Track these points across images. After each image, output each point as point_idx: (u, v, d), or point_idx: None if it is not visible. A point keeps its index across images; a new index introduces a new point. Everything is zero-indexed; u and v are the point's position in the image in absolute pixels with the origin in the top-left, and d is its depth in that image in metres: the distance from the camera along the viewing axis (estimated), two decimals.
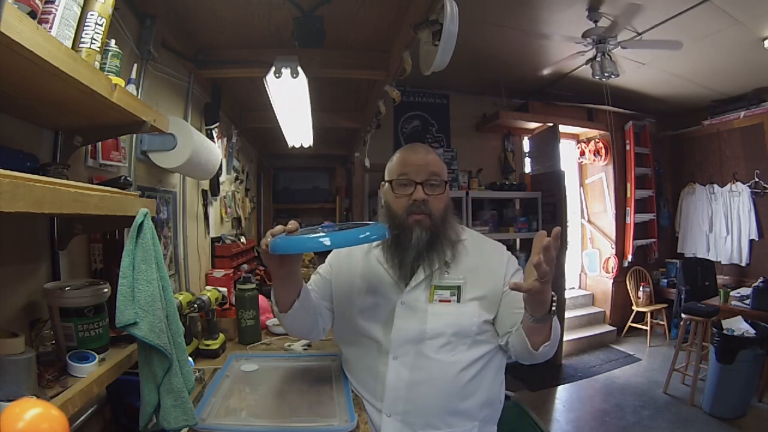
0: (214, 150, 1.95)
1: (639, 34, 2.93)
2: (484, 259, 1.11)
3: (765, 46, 2.98)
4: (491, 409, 1.09)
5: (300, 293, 1.05)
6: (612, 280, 4.71)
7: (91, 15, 0.78)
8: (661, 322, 4.54)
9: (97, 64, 0.81)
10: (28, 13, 0.62)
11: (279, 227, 0.93)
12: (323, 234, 0.85)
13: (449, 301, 1.05)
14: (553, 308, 0.91)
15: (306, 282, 1.11)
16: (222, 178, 2.63)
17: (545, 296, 0.88)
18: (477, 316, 1.04)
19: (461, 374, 1.02)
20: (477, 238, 1.19)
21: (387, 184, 1.13)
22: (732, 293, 3.52)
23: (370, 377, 1.08)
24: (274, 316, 1.16)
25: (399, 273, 1.08)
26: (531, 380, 3.62)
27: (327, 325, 1.21)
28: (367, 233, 0.86)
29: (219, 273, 2.20)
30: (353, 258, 1.19)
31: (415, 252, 1.06)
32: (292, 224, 0.94)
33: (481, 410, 1.05)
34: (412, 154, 1.11)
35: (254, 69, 1.97)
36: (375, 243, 1.13)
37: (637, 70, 3.61)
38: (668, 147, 5.06)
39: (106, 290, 0.93)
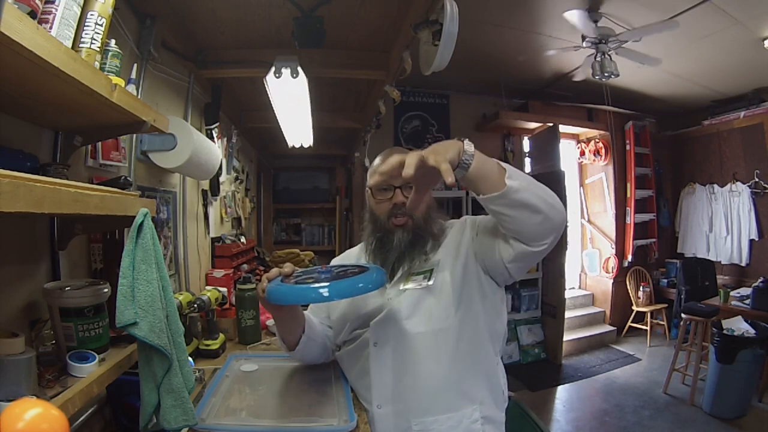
0: (214, 150, 1.95)
1: (638, 34, 2.93)
2: (455, 234, 1.13)
3: (765, 46, 2.98)
4: (490, 393, 1.04)
5: (305, 328, 1.08)
6: (612, 280, 4.72)
7: (91, 15, 0.78)
8: (661, 322, 4.54)
9: (97, 64, 0.81)
10: (28, 13, 0.62)
11: (275, 270, 0.94)
12: (322, 285, 0.83)
13: (421, 284, 1.05)
14: (463, 158, 0.79)
15: None
16: (222, 178, 2.63)
17: (435, 156, 0.74)
18: (446, 285, 1.03)
19: (444, 344, 1.00)
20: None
21: (369, 190, 1.14)
22: (732, 293, 3.52)
23: (360, 371, 1.08)
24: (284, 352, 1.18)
25: None
26: (531, 380, 3.62)
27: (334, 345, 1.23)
28: (368, 284, 0.85)
29: (219, 273, 2.20)
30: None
31: (397, 253, 1.08)
32: (288, 267, 0.94)
33: (478, 389, 1.02)
34: (390, 158, 1.11)
35: (254, 69, 1.97)
36: (364, 247, 1.17)
37: (637, 70, 3.60)
38: (668, 147, 5.06)
39: (106, 290, 0.93)
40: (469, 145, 0.81)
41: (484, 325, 1.04)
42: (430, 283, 1.04)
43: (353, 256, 1.25)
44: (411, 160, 0.75)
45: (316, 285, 0.84)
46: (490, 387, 1.05)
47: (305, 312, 1.18)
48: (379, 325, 1.04)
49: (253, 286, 1.69)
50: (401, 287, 1.06)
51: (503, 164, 0.84)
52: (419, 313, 1.03)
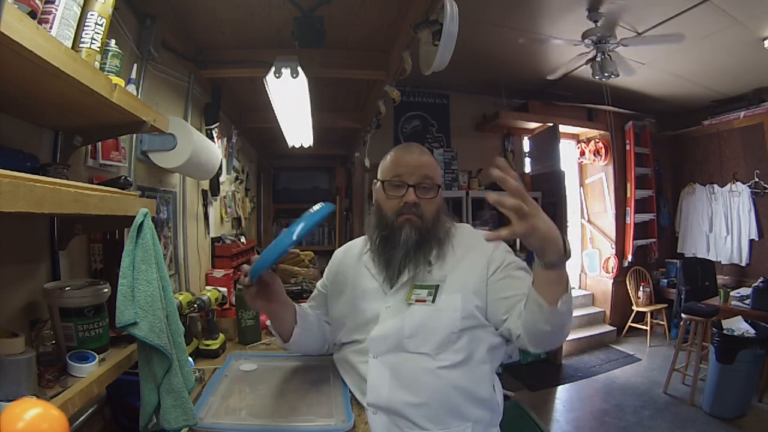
0: (214, 150, 1.95)
1: (639, 33, 2.93)
2: (469, 252, 1.09)
3: (765, 46, 2.98)
4: (486, 411, 1.03)
5: (297, 319, 1.09)
6: (612, 280, 4.71)
7: (91, 15, 0.78)
8: (661, 322, 4.54)
9: (97, 64, 0.81)
10: (28, 13, 0.62)
11: (245, 266, 0.98)
12: (284, 232, 0.89)
13: (424, 301, 1.02)
14: (567, 247, 0.81)
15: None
16: (222, 178, 2.63)
17: (541, 233, 0.75)
18: (455, 312, 1.01)
19: (443, 372, 0.99)
20: (469, 233, 1.16)
21: (379, 183, 1.11)
22: (732, 293, 3.52)
23: (358, 378, 1.08)
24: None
25: (385, 274, 1.08)
26: (531, 380, 3.62)
27: (332, 342, 1.23)
28: (317, 214, 0.92)
29: (219, 273, 2.20)
30: (346, 267, 1.20)
31: (403, 251, 1.05)
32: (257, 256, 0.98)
33: (474, 409, 1.01)
34: (406, 153, 1.08)
35: (254, 69, 1.97)
36: (366, 248, 1.16)
37: (637, 70, 3.61)
38: (668, 147, 5.06)
39: (106, 290, 0.93)
40: (569, 251, 0.82)
41: (487, 348, 1.03)
42: (434, 302, 1.02)
43: (356, 249, 1.22)
44: (517, 186, 0.76)
45: (279, 236, 0.90)
46: (488, 406, 1.04)
47: (301, 304, 1.19)
48: (379, 338, 1.03)
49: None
50: (402, 298, 1.05)
51: (570, 289, 0.86)
52: (422, 334, 1.01)
